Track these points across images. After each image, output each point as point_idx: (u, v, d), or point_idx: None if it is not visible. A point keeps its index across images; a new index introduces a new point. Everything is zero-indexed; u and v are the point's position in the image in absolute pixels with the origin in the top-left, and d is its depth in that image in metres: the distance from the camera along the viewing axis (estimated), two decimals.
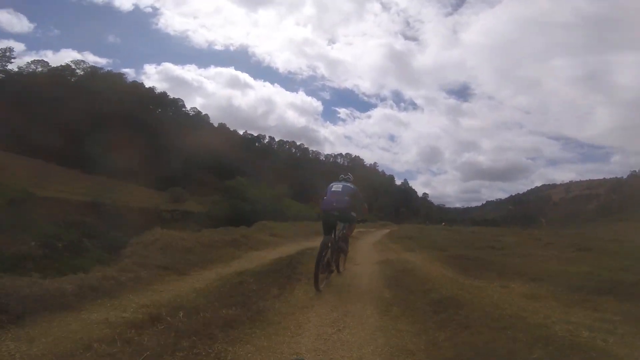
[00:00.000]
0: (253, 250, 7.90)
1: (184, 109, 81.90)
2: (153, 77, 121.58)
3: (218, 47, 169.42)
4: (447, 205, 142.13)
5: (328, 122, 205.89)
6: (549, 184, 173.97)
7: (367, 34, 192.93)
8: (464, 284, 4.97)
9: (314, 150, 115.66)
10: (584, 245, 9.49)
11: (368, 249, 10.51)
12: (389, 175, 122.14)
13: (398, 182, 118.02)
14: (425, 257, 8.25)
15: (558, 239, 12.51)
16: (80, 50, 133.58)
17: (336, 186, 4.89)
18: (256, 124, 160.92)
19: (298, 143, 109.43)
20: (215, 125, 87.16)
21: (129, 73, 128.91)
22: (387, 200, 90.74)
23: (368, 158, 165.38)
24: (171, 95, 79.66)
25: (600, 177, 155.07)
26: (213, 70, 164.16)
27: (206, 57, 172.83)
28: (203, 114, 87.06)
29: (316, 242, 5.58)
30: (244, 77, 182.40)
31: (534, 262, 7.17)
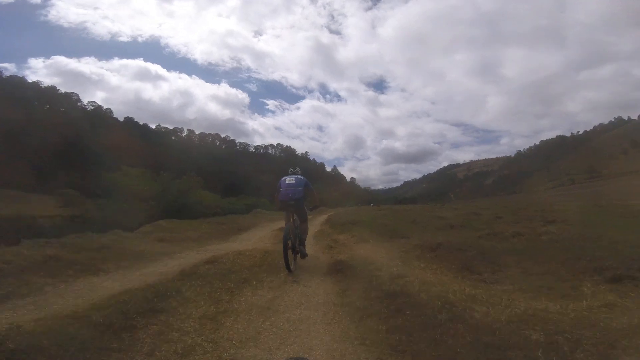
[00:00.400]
0: (90, 275, 4.16)
1: (79, 103, 70.62)
2: (40, 71, 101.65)
3: (123, 39, 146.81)
4: (372, 188, 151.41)
5: (256, 113, 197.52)
6: (454, 164, 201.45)
7: (295, 27, 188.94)
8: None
9: (242, 142, 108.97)
10: None
11: (309, 244, 7.63)
12: (320, 162, 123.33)
13: (328, 168, 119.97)
14: (393, 252, 5.70)
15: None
16: None
17: (289, 179, 5.21)
18: (172, 118, 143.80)
19: (223, 135, 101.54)
20: (121, 119, 76.85)
21: (8, 68, 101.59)
22: (320, 186, 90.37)
23: (299, 148, 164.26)
24: (63, 90, 68.38)
25: (494, 156, 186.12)
26: (117, 62, 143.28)
27: (108, 49, 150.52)
28: (105, 108, 76.49)
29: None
30: (156, 68, 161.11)
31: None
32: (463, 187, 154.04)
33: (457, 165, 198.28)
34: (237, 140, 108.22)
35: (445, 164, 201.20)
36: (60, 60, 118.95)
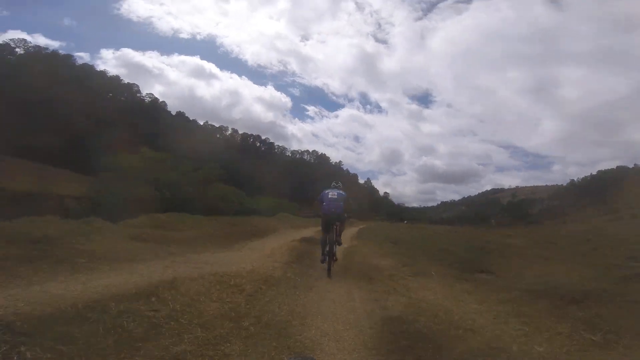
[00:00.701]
0: None
1: (138, 94, 73.99)
2: (110, 62, 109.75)
3: (184, 36, 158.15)
4: (406, 205, 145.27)
5: (297, 118, 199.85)
6: (497, 188, 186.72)
7: (340, 33, 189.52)
8: None
9: (280, 145, 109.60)
10: None
11: (339, 273, 5.18)
12: (353, 173, 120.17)
13: (361, 180, 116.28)
14: (486, 301, 3.15)
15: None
16: (30, 32, 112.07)
17: (332, 193, 5.86)
18: (219, 116, 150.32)
19: (263, 137, 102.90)
20: (173, 113, 79.57)
21: (83, 57, 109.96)
22: (351, 197, 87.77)
23: (334, 156, 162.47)
24: (127, 80, 72.36)
25: (543, 183, 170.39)
26: (177, 58, 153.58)
27: (170, 44, 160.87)
28: (160, 101, 79.03)
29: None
30: (210, 67, 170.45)
31: None
32: (505, 214, 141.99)
33: (501, 190, 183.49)
34: (275, 144, 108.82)
35: (488, 187, 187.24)
36: (128, 52, 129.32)
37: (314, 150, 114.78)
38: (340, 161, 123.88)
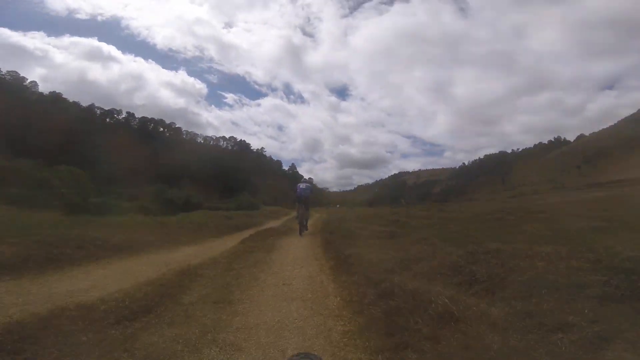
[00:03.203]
0: None
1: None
2: None
3: (81, 16, 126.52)
4: (328, 189, 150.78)
5: (213, 105, 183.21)
6: (403, 172, 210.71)
7: (269, 23, 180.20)
8: None
9: (190, 131, 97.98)
10: None
11: None
12: (277, 160, 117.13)
13: (285, 167, 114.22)
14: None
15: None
16: None
17: (303, 185, 9.65)
18: (117, 101, 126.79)
19: (167, 122, 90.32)
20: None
21: None
22: (274, 182, 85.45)
23: (256, 144, 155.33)
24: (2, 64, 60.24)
25: (439, 167, 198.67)
26: (68, 39, 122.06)
27: (62, 25, 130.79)
28: (28, 80, 64.44)
29: None
30: (110, 49, 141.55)
31: None
32: (412, 194, 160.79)
33: (406, 174, 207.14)
34: (184, 129, 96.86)
35: (395, 171, 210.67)
36: (3, 32, 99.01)
37: (231, 137, 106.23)
38: (262, 148, 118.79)
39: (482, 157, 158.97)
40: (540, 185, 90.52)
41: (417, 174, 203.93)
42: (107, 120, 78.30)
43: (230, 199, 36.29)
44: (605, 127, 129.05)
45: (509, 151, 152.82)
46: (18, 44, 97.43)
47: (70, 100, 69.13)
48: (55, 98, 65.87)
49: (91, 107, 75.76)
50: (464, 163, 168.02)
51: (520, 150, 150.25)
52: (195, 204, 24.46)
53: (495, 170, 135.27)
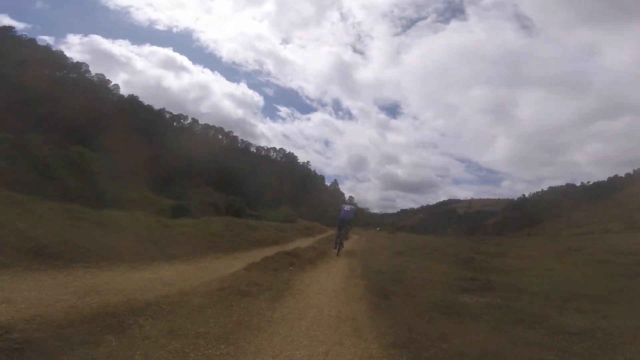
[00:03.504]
0: None
1: (87, 74, 70.46)
2: (75, 47, 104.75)
3: (159, 27, 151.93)
4: (369, 210, 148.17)
5: (267, 117, 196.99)
6: (453, 199, 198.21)
7: (321, 40, 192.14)
8: None
9: (244, 140, 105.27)
10: None
11: None
12: (320, 175, 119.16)
13: (327, 183, 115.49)
14: None
15: None
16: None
17: (347, 207, 9.77)
18: (185, 108, 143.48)
19: (226, 130, 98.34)
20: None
21: (47, 40, 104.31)
22: (315, 196, 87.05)
23: (302, 157, 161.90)
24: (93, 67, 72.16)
25: (493, 197, 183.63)
26: (148, 48, 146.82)
27: (143, 35, 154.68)
28: (112, 83, 75.36)
29: None
30: (182, 59, 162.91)
31: None
32: (462, 224, 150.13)
33: (456, 201, 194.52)
34: (239, 138, 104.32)
35: (445, 198, 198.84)
36: (96, 39, 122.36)
37: (281, 148, 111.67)
38: (308, 161, 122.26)
39: (545, 189, 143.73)
40: (610, 223, 78.08)
41: (469, 202, 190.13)
42: (174, 124, 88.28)
43: (270, 208, 37.64)
44: None
45: (578, 184, 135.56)
46: (107, 50, 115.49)
47: (145, 104, 79.50)
48: (132, 100, 75.92)
49: (161, 111, 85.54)
50: (523, 195, 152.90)
51: (590, 183, 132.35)
52: (238, 209, 25.86)
53: (561, 204, 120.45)
